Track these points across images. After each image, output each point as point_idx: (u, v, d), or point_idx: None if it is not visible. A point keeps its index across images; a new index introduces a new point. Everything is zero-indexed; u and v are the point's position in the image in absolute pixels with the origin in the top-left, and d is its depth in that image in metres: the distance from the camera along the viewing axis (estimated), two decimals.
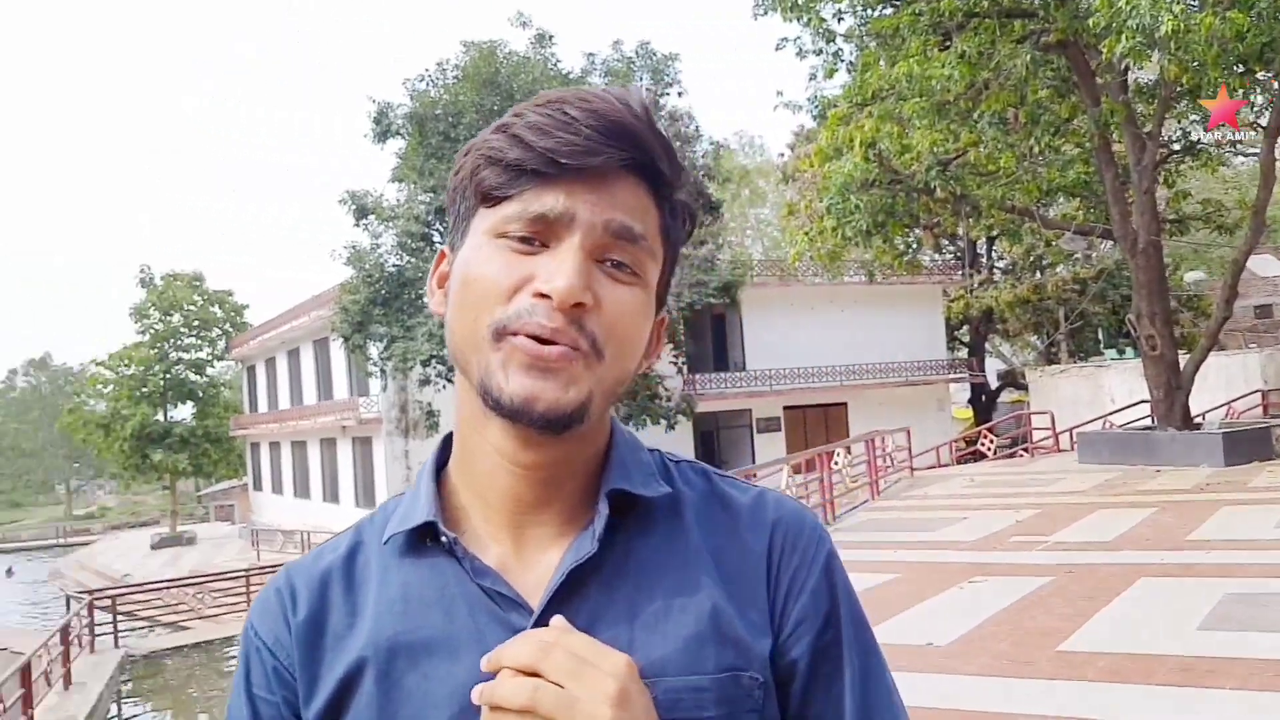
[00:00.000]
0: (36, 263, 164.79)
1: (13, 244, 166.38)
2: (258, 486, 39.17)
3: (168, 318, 39.86)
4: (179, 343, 40.14)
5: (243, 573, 21.32)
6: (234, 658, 16.14)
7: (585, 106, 0.79)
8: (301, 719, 0.84)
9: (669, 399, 21.20)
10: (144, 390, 38.77)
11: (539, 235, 0.79)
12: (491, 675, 0.74)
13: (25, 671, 11.33)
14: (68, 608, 18.58)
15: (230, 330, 40.95)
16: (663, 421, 21.08)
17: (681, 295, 19.98)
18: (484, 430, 0.83)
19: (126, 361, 39.49)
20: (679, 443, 25.10)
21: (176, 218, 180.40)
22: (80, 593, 20.47)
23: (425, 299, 1.00)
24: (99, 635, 17.59)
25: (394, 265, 21.52)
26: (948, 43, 14.09)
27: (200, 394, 40.29)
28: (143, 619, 20.22)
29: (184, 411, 40.65)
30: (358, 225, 22.32)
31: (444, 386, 20.67)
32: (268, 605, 0.87)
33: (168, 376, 39.05)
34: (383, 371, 21.92)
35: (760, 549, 0.86)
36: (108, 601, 18.86)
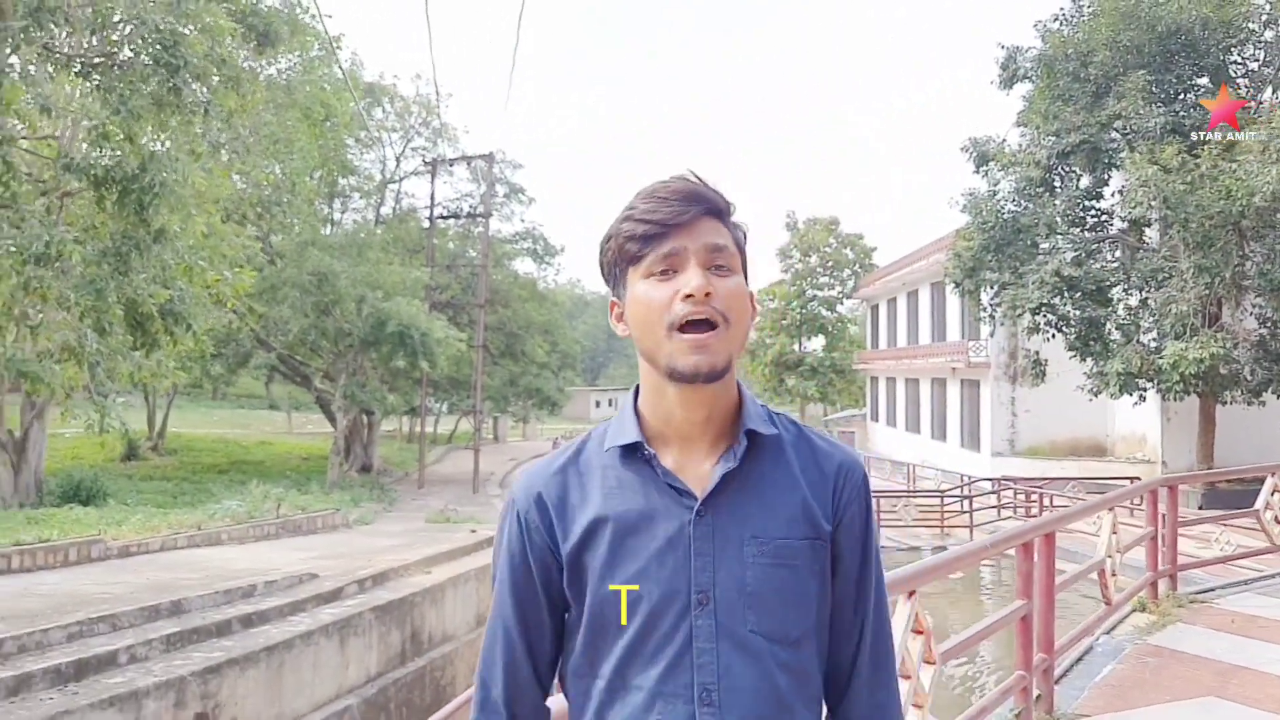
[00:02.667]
0: None
1: None
2: (874, 417, 41.56)
3: (806, 259, 43.92)
4: (814, 281, 44.04)
5: None
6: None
7: (671, 190, 1.31)
8: (558, 554, 1.33)
9: None
10: (784, 323, 43.45)
11: (670, 266, 1.29)
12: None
13: None
14: None
15: (859, 271, 43.73)
16: None
17: None
18: (664, 390, 1.32)
19: (771, 296, 44.47)
20: None
21: (814, 164, 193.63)
22: None
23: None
24: None
25: (1010, 211, 21.52)
26: None
27: (830, 329, 43.95)
28: None
29: (815, 344, 44.74)
30: (977, 172, 22.69)
31: (1052, 336, 20.36)
32: (529, 495, 1.36)
33: (803, 311, 43.23)
34: (992, 317, 22.22)
35: (830, 474, 1.36)
36: None
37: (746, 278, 1.36)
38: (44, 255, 9.03)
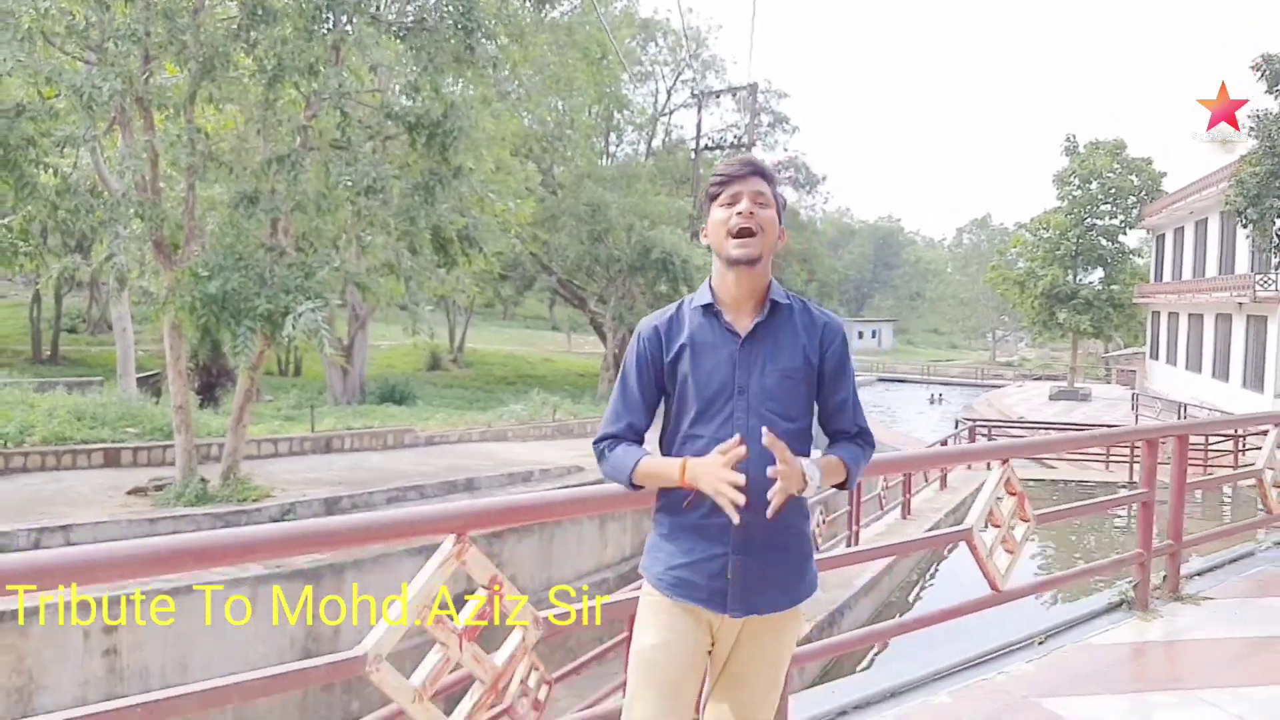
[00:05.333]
0: (984, 134, 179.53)
1: (968, 118, 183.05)
2: (1154, 355, 39.11)
3: (1086, 185, 41.23)
4: (1094, 210, 41.38)
5: (1106, 427, 22.81)
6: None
7: (738, 160, 2.26)
8: (662, 363, 2.26)
9: None
10: (1057, 253, 41.22)
11: (732, 200, 2.21)
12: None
13: None
14: (955, 428, 22.61)
15: (1145, 198, 40.82)
16: None
17: None
18: (726, 274, 2.23)
19: (1045, 225, 42.31)
20: None
21: (1098, 86, 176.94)
22: (967, 419, 24.34)
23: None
24: None
25: None
26: None
27: (1109, 260, 41.35)
28: None
29: (1092, 276, 42.20)
30: (1270, 92, 21.07)
31: None
32: (654, 326, 2.29)
33: (1080, 242, 40.89)
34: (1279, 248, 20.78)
35: (819, 327, 2.27)
36: (986, 431, 22.36)
37: (780, 219, 2.28)
38: (371, 188, 11.23)
